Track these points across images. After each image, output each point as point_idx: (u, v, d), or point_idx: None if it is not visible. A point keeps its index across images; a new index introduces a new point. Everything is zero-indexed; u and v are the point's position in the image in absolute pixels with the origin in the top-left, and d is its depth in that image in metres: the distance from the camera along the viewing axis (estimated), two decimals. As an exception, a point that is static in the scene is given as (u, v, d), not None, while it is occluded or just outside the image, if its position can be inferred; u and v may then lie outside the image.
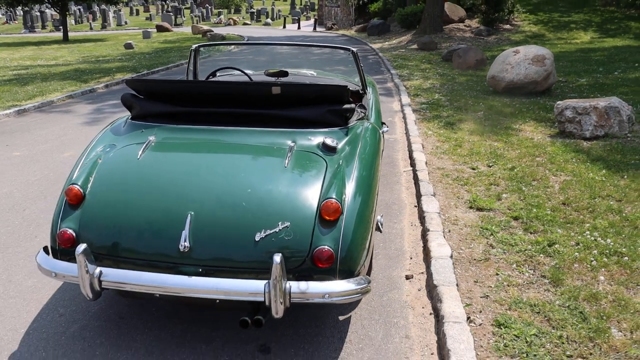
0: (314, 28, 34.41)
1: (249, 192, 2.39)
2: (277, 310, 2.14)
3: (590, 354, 2.47)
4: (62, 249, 2.43)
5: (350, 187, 2.44)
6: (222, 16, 43.53)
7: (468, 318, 2.72)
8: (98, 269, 2.28)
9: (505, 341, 2.56)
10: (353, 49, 4.06)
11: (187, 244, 2.25)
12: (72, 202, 2.48)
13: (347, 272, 2.26)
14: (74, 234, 2.40)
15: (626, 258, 3.33)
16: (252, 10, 47.74)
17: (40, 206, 4.51)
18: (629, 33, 17.60)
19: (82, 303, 2.99)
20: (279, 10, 48.32)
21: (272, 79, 4.12)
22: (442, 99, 9.03)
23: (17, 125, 7.77)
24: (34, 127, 7.62)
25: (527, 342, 2.55)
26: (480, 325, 2.70)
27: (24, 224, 4.15)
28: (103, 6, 37.90)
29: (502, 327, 2.67)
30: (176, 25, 38.50)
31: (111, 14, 38.65)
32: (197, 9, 47.69)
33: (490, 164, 5.39)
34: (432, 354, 2.55)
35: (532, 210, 4.12)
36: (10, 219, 4.25)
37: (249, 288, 2.17)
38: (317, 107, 2.85)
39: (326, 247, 2.23)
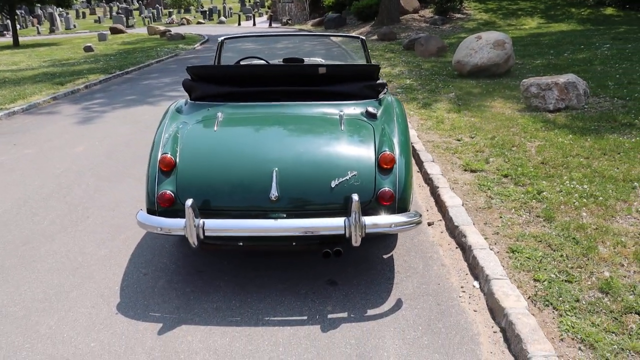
0: (270, 24, 34.79)
1: (320, 149, 2.97)
2: (357, 240, 2.72)
3: (586, 264, 3.16)
4: (162, 208, 2.89)
5: (396, 143, 3.05)
6: (173, 16, 43.22)
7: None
8: (201, 220, 2.77)
9: (520, 261, 3.23)
10: (361, 37, 4.66)
11: (276, 193, 2.79)
12: (166, 168, 2.94)
13: (403, 208, 2.87)
14: (173, 194, 2.87)
15: (601, 198, 4.08)
16: (203, 9, 47.58)
17: (79, 193, 4.91)
18: (572, 19, 18.90)
19: (160, 264, 3.48)
20: (230, 8, 48.34)
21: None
22: (414, 84, 9.75)
23: (12, 127, 7.97)
24: (30, 128, 7.86)
25: (536, 260, 3.23)
26: (497, 252, 3.36)
27: (71, 208, 4.55)
28: (49, 9, 36.99)
29: (515, 252, 3.34)
30: (129, 26, 38.07)
31: (59, 18, 37.79)
32: (146, 10, 47.12)
33: (472, 136, 6.10)
34: (466, 274, 3.20)
35: (518, 169, 4.84)
36: (56, 205, 4.64)
37: (331, 224, 2.73)
38: (355, 83, 3.45)
39: (387, 188, 2.83)
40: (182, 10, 51.33)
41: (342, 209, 2.79)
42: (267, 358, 2.50)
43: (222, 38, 4.60)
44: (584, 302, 2.80)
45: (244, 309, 2.91)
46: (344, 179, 2.84)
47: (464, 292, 3.02)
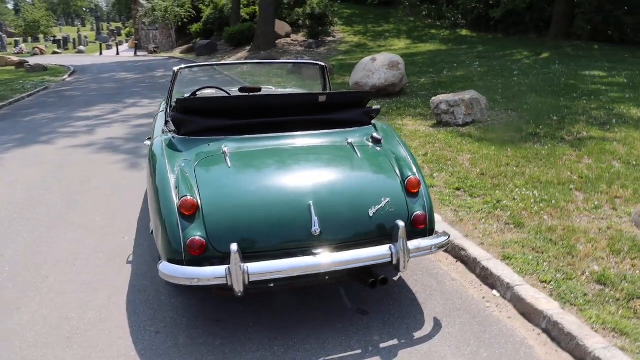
0: (135, 53, 33.39)
1: (350, 178, 3.00)
2: (405, 266, 2.78)
3: (574, 262, 3.54)
4: (191, 257, 2.66)
5: (413, 166, 3.17)
6: (21, 45, 39.54)
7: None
8: (245, 265, 2.63)
9: (519, 267, 3.51)
10: (321, 63, 4.73)
11: (317, 227, 2.74)
12: (189, 212, 2.72)
13: (432, 230, 3.00)
14: (204, 240, 2.67)
15: (552, 202, 4.57)
16: (55, 38, 44.23)
17: (19, 249, 4.33)
18: (435, 39, 20.72)
19: (167, 318, 3.21)
20: (86, 37, 45.54)
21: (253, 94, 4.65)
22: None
23: None
24: None
25: (533, 264, 3.54)
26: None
27: (19, 268, 4.01)
28: None
29: (509, 259, 3.62)
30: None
31: None
32: (-14, 39, 42.57)
33: (406, 154, 6.46)
34: (480, 285, 3.40)
35: (465, 182, 5.23)
36: (-1, 269, 4.06)
37: (379, 253, 2.77)
38: (352, 110, 3.51)
39: (420, 212, 2.94)
40: (30, 39, 47.18)
41: (381, 236, 2.84)
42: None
43: (178, 68, 4.38)
44: (592, 295, 3.14)
45: (292, 353, 2.81)
46: (379, 206, 2.90)
47: (488, 302, 3.22)
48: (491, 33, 21.37)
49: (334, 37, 21.77)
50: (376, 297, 3.30)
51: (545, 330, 2.87)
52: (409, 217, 2.93)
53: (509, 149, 6.25)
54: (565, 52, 16.21)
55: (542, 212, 4.38)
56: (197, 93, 4.64)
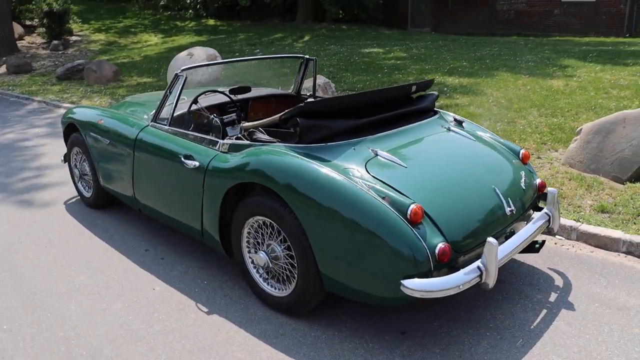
0: None
1: (495, 157, 3.19)
2: (557, 227, 3.08)
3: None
4: (440, 263, 2.46)
5: (505, 141, 3.46)
6: None
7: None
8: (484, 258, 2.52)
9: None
10: (307, 57, 4.50)
11: (512, 207, 2.86)
12: (419, 220, 2.49)
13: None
14: (449, 245, 2.48)
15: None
16: None
17: None
18: (187, 31, 20.26)
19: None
20: None
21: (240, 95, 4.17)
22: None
23: None
24: None
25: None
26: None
27: None
28: None
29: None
30: None
31: None
32: None
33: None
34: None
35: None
36: None
37: (543, 219, 3.03)
38: (428, 98, 3.52)
39: (539, 179, 3.27)
40: None
41: (530, 205, 3.10)
42: None
43: (182, 71, 3.64)
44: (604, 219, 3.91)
45: None
46: (523, 179, 3.09)
47: (562, 245, 3.71)
48: (239, 21, 21.97)
49: (78, 35, 19.36)
50: (419, 321, 3.45)
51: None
52: (537, 184, 3.20)
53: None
54: (322, 34, 17.86)
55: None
56: (202, 96, 3.97)
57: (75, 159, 4.76)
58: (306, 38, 17.24)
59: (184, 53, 10.21)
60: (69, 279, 3.57)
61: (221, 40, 17.39)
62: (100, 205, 4.65)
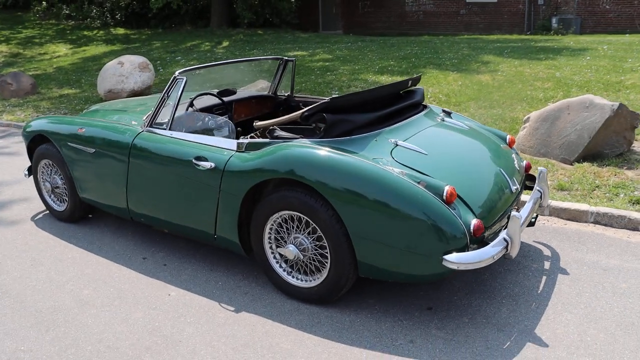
0: None
1: (493, 143, 3.55)
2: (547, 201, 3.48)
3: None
4: (474, 238, 2.70)
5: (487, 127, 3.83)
6: None
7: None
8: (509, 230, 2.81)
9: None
10: (287, 58, 4.59)
11: (517, 186, 3.19)
12: (453, 199, 2.72)
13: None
14: (481, 221, 2.74)
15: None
16: None
17: None
18: (96, 40, 19.37)
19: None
20: None
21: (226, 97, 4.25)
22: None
23: None
24: None
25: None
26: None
27: None
28: None
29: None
30: None
31: None
32: None
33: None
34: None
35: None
36: None
37: (537, 195, 3.37)
38: (418, 92, 3.76)
39: (527, 161, 3.62)
40: None
41: (522, 184, 3.48)
42: None
43: (181, 74, 3.62)
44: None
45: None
46: (516, 160, 3.47)
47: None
48: (149, 29, 21.34)
49: (-28, 47, 17.87)
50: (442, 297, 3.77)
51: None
52: (524, 165, 3.57)
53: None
54: (240, 39, 17.80)
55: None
56: (197, 98, 3.96)
57: (43, 172, 4.53)
58: (225, 44, 17.12)
59: (113, 62, 9.84)
60: (72, 294, 3.44)
61: (137, 49, 16.83)
62: (77, 218, 4.47)
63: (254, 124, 3.43)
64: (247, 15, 18.89)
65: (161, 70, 12.75)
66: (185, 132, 3.59)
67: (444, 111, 3.84)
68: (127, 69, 9.61)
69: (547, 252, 3.66)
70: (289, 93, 4.80)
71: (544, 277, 3.34)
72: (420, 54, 12.47)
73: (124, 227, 4.37)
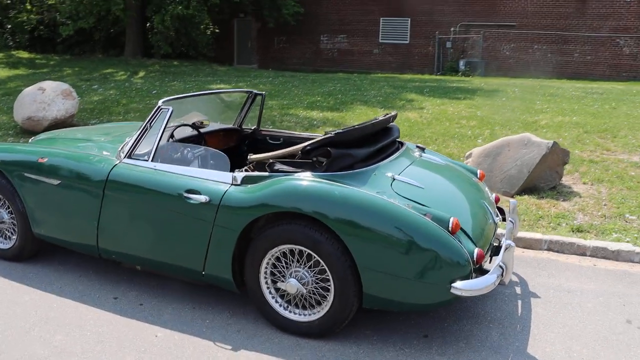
0: None
1: (471, 178, 3.82)
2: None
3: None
4: (476, 266, 2.88)
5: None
6: None
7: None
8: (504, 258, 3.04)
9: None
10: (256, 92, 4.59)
11: (496, 217, 3.44)
12: (457, 230, 2.88)
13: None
14: (482, 250, 2.94)
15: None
16: None
17: None
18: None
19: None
20: None
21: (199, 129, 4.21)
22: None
23: None
24: None
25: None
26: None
27: None
28: None
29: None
30: None
31: None
32: None
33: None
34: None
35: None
36: None
37: (511, 225, 3.64)
38: (395, 129, 3.93)
39: (495, 193, 3.87)
40: None
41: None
42: None
43: (165, 103, 3.52)
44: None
45: None
46: (488, 192, 3.75)
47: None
48: (56, 54, 20.28)
49: None
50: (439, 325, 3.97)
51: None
52: (494, 198, 3.84)
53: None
54: (156, 70, 17.43)
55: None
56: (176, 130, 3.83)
57: None
58: (141, 74, 16.66)
59: (33, 88, 9.22)
60: (43, 341, 3.15)
61: (46, 75, 15.86)
62: (25, 256, 4.11)
63: (249, 157, 3.42)
64: (162, 46, 18.54)
65: (79, 98, 12.12)
66: (171, 163, 3.48)
67: (417, 147, 4.05)
68: (48, 95, 9.04)
69: (514, 278, 3.93)
70: (255, 127, 4.80)
71: (519, 301, 3.59)
72: (344, 91, 12.91)
73: (83, 265, 4.09)
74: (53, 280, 3.88)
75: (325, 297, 3.04)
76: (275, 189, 3.04)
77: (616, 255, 4.14)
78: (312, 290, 3.07)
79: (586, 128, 7.86)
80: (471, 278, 2.84)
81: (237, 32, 23.73)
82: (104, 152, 3.81)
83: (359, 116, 9.68)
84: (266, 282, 3.19)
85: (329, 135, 3.18)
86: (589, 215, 4.92)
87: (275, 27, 21.18)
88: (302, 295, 3.10)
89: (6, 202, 4.01)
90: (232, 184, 3.21)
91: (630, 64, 17.19)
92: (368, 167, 3.24)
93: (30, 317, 3.40)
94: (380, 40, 21.27)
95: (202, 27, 18.73)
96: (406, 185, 3.17)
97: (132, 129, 4.79)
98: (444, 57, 19.81)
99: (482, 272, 2.95)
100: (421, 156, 3.84)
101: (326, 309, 3.04)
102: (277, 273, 3.15)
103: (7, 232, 4.11)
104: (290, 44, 23.04)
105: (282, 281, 3.12)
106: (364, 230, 2.85)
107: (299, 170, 3.20)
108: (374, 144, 3.49)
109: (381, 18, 21.03)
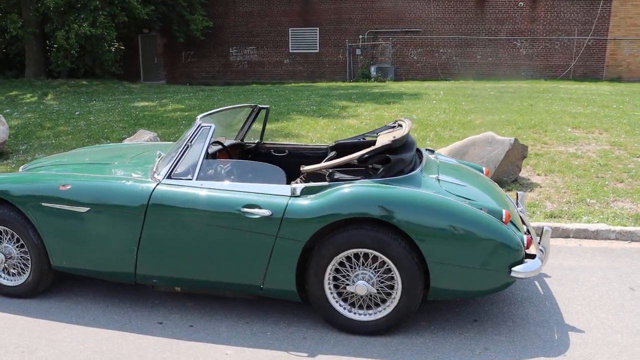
0: None
1: (482, 174, 4.12)
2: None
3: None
4: (525, 252, 3.23)
5: None
6: None
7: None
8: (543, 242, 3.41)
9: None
10: (260, 106, 4.62)
11: (519, 208, 3.79)
12: (507, 221, 3.24)
13: None
14: (530, 236, 3.32)
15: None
16: None
17: None
18: None
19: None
20: None
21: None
22: None
23: None
24: None
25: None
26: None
27: None
28: None
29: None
30: None
31: None
32: None
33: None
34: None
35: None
36: None
37: None
38: None
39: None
40: None
41: None
42: None
43: (202, 119, 3.52)
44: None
45: None
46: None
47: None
48: None
49: None
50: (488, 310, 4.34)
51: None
52: None
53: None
54: (66, 90, 16.41)
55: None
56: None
57: None
58: (50, 95, 15.61)
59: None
60: (111, 374, 3.05)
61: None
62: (40, 290, 3.88)
63: (301, 168, 3.52)
64: (63, 64, 17.46)
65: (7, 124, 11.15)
66: (219, 180, 3.50)
67: (427, 149, 4.37)
68: (-31, 122, 8.31)
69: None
70: (258, 140, 4.87)
71: (536, 282, 4.02)
72: (274, 102, 13.04)
73: (104, 292, 3.93)
74: (80, 313, 3.70)
75: (390, 295, 3.24)
76: (342, 196, 3.20)
77: (596, 235, 4.75)
78: (378, 290, 3.26)
79: (517, 125, 8.70)
80: (524, 262, 3.19)
81: (142, 48, 23.00)
82: (133, 175, 3.72)
83: (300, 125, 9.88)
84: (329, 288, 3.32)
85: (387, 143, 3.40)
86: (556, 203, 5.55)
87: (182, 42, 20.81)
88: (369, 296, 3.27)
89: (15, 235, 3.76)
90: (291, 196, 3.31)
91: (527, 64, 19.07)
92: (416, 171, 3.49)
93: (80, 352, 3.25)
94: (291, 50, 21.64)
95: (105, 44, 17.87)
96: (451, 185, 3.47)
97: (141, 149, 4.66)
98: (355, 64, 20.62)
99: (530, 256, 3.32)
100: (437, 158, 4.16)
101: (392, 306, 3.25)
102: (340, 278, 3.30)
103: (17, 268, 3.84)
104: (199, 58, 22.73)
105: (348, 285, 3.27)
106: (432, 228, 3.11)
107: (358, 177, 3.38)
108: (411, 149, 3.75)
109: (290, 28, 21.41)
